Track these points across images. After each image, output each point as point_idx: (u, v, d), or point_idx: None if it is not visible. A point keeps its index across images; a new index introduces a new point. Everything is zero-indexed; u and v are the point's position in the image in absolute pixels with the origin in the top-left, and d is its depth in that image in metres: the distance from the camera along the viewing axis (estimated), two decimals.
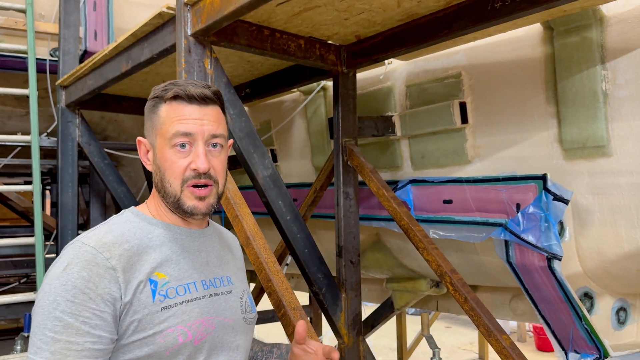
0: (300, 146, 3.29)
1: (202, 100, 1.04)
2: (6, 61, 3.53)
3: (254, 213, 2.76)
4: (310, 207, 2.61)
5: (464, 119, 2.31)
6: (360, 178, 2.30)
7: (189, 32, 1.79)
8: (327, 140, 3.01)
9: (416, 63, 2.56)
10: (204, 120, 1.04)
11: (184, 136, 1.02)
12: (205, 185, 1.04)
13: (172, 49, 1.92)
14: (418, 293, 2.85)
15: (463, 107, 2.31)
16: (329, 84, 2.90)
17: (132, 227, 1.03)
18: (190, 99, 1.03)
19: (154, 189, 1.10)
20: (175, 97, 1.04)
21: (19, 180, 6.63)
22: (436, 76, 2.45)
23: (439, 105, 2.36)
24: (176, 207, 1.05)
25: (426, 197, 2.41)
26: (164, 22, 1.94)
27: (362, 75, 2.74)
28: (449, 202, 2.32)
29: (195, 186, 1.03)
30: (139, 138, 1.11)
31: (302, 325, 1.14)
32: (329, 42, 2.25)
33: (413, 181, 2.47)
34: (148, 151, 1.09)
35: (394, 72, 2.66)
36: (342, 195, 2.27)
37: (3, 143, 3.24)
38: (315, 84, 2.97)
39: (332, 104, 2.36)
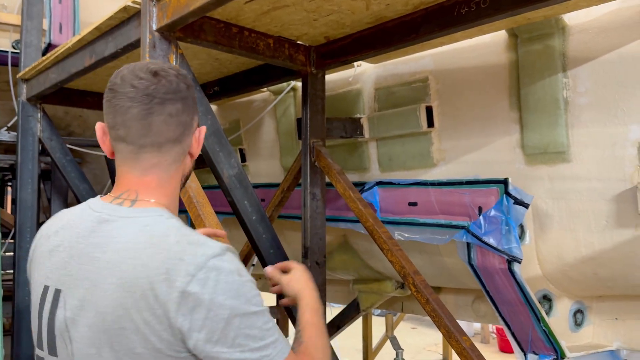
0: (269, 146, 3.27)
1: None
2: None
3: (221, 213, 2.74)
4: (277, 208, 2.60)
5: (430, 123, 2.34)
6: (327, 179, 2.30)
7: (154, 27, 1.75)
8: (296, 140, 3.01)
9: (385, 66, 2.58)
10: None
11: None
12: None
13: (137, 43, 1.89)
14: (383, 294, 2.87)
15: (429, 111, 2.34)
16: (299, 84, 2.90)
17: None
18: None
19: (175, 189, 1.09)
20: None
21: None
22: (404, 80, 2.47)
23: (406, 109, 2.38)
24: None
25: (392, 199, 2.43)
26: (129, 17, 1.91)
27: (331, 77, 2.74)
28: (414, 204, 2.34)
29: None
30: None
31: (269, 268, 1.35)
32: (299, 42, 2.25)
33: (380, 183, 2.48)
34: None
35: (363, 74, 2.68)
36: (309, 196, 2.27)
37: None
38: (285, 84, 2.96)
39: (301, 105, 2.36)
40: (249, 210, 1.94)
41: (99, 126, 1.05)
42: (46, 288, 0.99)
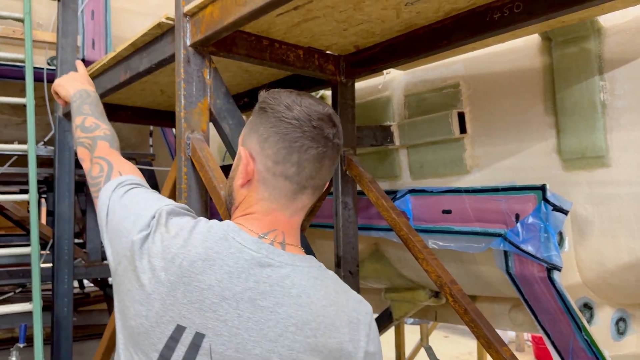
0: None
1: None
2: (3, 70, 3.53)
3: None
4: (309, 217, 2.60)
5: (463, 129, 2.32)
6: (359, 187, 2.29)
7: (188, 43, 1.78)
8: None
9: (415, 73, 2.57)
10: None
11: None
12: None
13: (171, 59, 1.92)
14: (417, 303, 2.84)
15: (462, 117, 2.32)
16: (328, 93, 2.91)
17: None
18: None
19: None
20: None
21: (14, 189, 6.61)
22: (435, 86, 2.45)
23: (438, 115, 2.36)
24: None
25: (425, 207, 2.41)
26: (163, 32, 1.94)
27: (360, 85, 2.74)
28: (448, 212, 2.31)
29: None
30: None
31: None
32: (328, 52, 2.25)
33: (412, 191, 2.46)
34: None
35: (392, 81, 2.67)
36: (340, 205, 2.27)
37: (1, 152, 3.23)
38: (313, 93, 2.97)
39: None
40: None
41: (244, 152, 1.00)
42: (180, 329, 0.86)
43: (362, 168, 2.23)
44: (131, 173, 1.18)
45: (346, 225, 2.27)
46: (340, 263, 2.25)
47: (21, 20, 3.31)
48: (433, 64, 2.48)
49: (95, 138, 1.35)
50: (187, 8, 1.77)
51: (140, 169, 1.30)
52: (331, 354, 0.88)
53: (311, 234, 3.06)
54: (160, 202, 1.03)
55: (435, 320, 3.02)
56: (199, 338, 0.85)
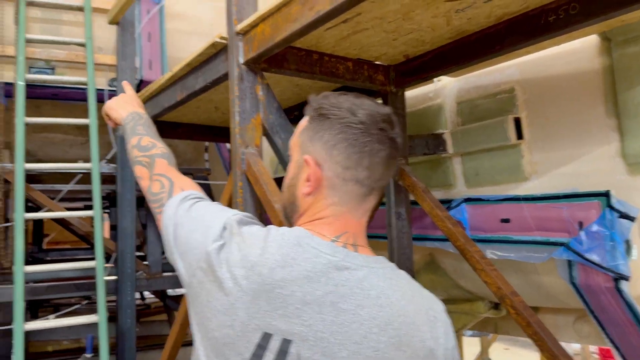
0: None
1: None
2: (68, 92, 3.73)
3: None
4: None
5: (519, 135, 2.25)
6: (411, 197, 2.27)
7: (241, 61, 1.83)
8: None
9: (467, 79, 2.53)
10: None
11: None
12: None
13: (224, 77, 1.97)
14: (476, 315, 2.77)
15: (518, 122, 2.26)
16: None
17: None
18: None
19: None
20: None
21: (79, 205, 6.92)
22: (488, 92, 2.40)
23: (493, 121, 2.31)
24: None
25: (482, 216, 2.35)
26: (216, 52, 2.00)
27: (410, 93, 2.72)
28: (506, 221, 2.25)
29: None
30: None
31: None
32: (377, 62, 2.25)
33: (468, 200, 2.41)
34: None
35: (443, 89, 2.63)
36: (394, 216, 2.25)
37: (67, 171, 3.40)
38: None
39: None
40: None
41: (310, 160, 0.99)
42: (267, 336, 0.86)
43: (415, 178, 2.21)
44: (192, 188, 1.22)
45: (400, 236, 2.25)
46: None
47: (83, 45, 3.50)
48: (485, 70, 2.43)
49: (153, 156, 1.39)
50: (240, 27, 1.82)
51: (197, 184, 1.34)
52: (415, 353, 0.89)
53: None
54: (226, 212, 1.05)
55: (496, 332, 2.93)
56: (286, 344, 0.85)
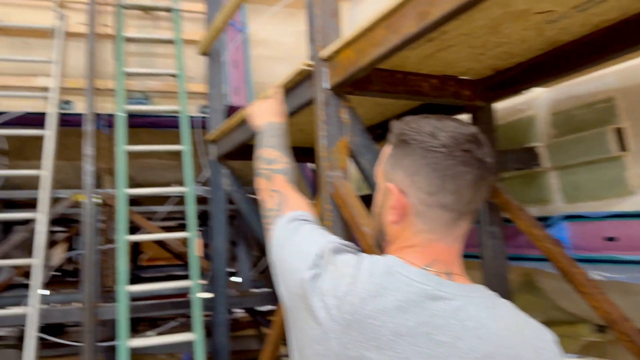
0: None
1: None
2: (162, 120, 3.97)
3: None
4: None
5: (622, 146, 2.10)
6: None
7: (327, 86, 1.85)
8: None
9: (560, 89, 2.40)
10: None
11: None
12: None
13: (310, 102, 2.01)
14: (579, 338, 2.58)
15: (620, 133, 2.10)
16: (463, 118, 2.82)
17: None
18: None
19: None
20: None
21: (172, 224, 7.30)
22: (584, 101, 2.26)
23: (591, 133, 2.17)
24: None
25: (584, 234, 2.20)
26: (302, 78, 2.04)
27: (499, 106, 2.62)
28: (611, 239, 2.09)
29: None
30: None
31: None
32: (463, 77, 2.20)
33: (568, 217, 2.27)
34: None
35: (535, 100, 2.51)
36: (487, 235, 2.17)
37: (164, 194, 3.62)
38: None
39: None
40: None
41: (394, 188, 0.96)
42: None
43: (508, 195, 2.12)
44: (302, 208, 1.22)
45: (495, 257, 2.16)
46: None
47: (175, 76, 3.72)
48: (579, 79, 2.29)
49: (273, 170, 1.41)
50: (324, 53, 1.85)
51: None
52: None
53: None
54: (324, 238, 1.05)
55: (605, 357, 2.71)
56: None
